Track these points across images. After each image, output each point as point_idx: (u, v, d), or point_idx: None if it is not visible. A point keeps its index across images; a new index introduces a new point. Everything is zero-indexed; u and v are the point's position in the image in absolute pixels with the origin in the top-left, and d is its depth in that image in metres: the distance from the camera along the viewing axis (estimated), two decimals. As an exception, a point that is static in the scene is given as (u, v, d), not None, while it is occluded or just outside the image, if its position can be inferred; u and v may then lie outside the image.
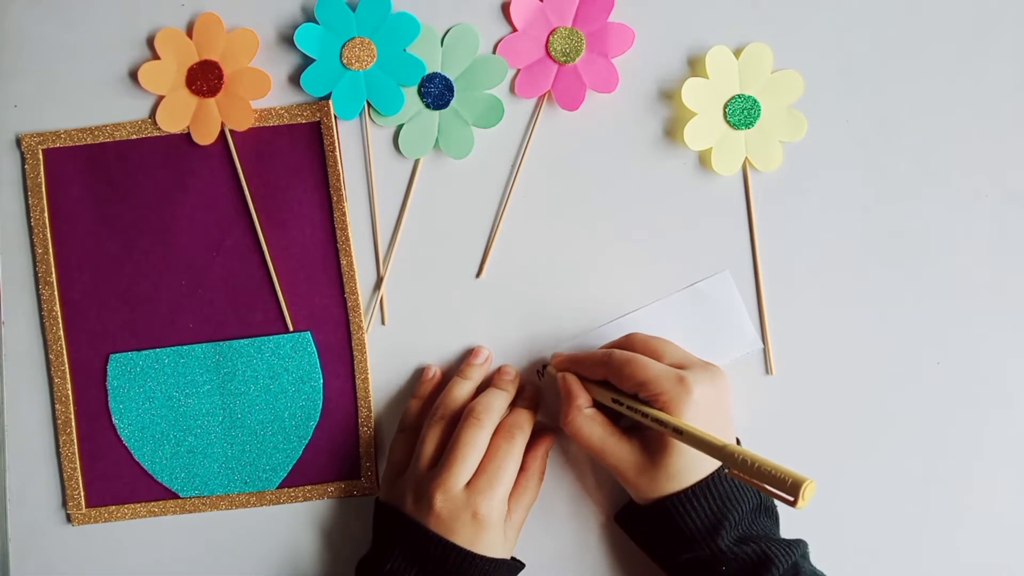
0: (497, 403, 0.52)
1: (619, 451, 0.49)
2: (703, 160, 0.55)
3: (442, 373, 0.56)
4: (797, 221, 0.55)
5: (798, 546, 0.48)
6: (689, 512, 0.47)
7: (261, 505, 0.56)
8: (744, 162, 0.55)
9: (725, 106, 0.55)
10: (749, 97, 0.55)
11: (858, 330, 0.55)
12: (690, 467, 0.47)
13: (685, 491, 0.47)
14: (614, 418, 0.51)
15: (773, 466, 0.41)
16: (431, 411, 0.53)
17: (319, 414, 0.56)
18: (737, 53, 0.55)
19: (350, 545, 0.56)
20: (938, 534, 0.55)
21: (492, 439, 0.51)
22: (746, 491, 0.48)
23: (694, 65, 0.55)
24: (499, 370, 0.55)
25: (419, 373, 0.56)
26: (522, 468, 0.52)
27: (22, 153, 0.56)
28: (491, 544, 0.49)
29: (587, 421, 0.50)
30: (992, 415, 0.55)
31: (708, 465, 0.48)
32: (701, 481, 0.47)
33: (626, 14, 0.55)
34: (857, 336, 0.55)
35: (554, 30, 0.55)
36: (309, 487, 0.56)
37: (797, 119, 0.55)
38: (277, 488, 0.56)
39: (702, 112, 0.54)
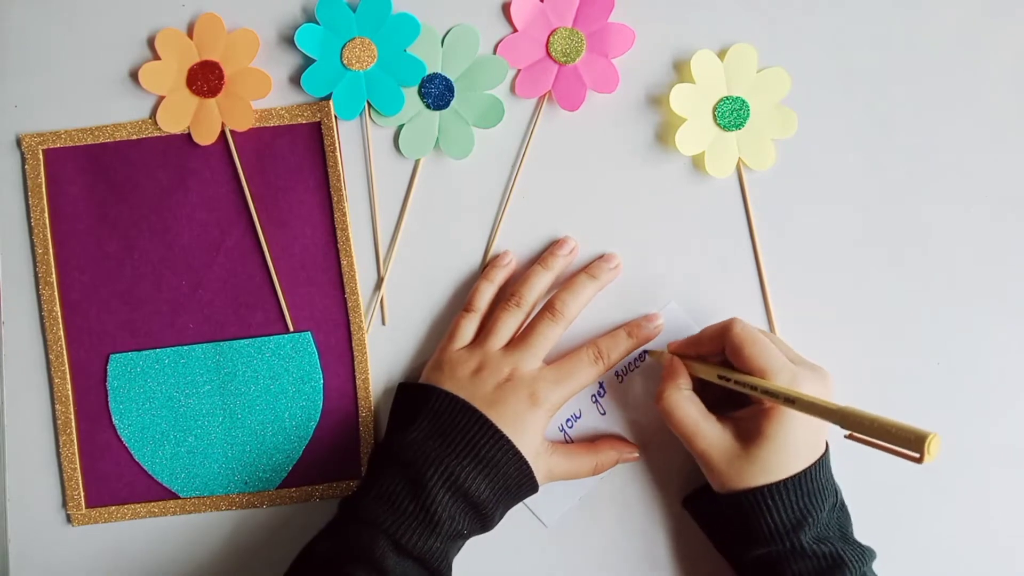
0: (581, 300, 0.53)
1: (712, 435, 0.48)
2: (696, 163, 0.55)
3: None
4: (796, 220, 0.55)
5: (870, 554, 0.48)
6: (778, 505, 0.46)
7: (262, 505, 0.56)
8: (738, 163, 0.55)
9: (714, 109, 0.55)
10: (737, 98, 0.54)
11: (857, 329, 0.55)
12: (782, 462, 0.47)
13: (777, 484, 0.46)
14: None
15: (895, 423, 0.39)
16: (507, 295, 0.53)
17: (319, 414, 0.56)
18: (721, 55, 0.54)
19: (350, 545, 0.56)
20: (937, 534, 0.55)
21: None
22: (829, 489, 0.48)
23: (680, 70, 0.55)
24: (602, 257, 0.55)
25: (419, 371, 0.55)
26: (593, 444, 0.53)
27: (22, 153, 0.56)
28: (529, 435, 0.50)
29: (684, 400, 0.49)
30: (992, 415, 0.55)
31: (798, 462, 0.47)
32: (793, 476, 0.47)
33: (626, 14, 0.55)
34: (857, 335, 0.55)
35: (554, 30, 0.55)
36: (310, 487, 0.56)
37: (787, 115, 0.55)
38: (277, 488, 0.56)
39: (692, 117, 0.54)
